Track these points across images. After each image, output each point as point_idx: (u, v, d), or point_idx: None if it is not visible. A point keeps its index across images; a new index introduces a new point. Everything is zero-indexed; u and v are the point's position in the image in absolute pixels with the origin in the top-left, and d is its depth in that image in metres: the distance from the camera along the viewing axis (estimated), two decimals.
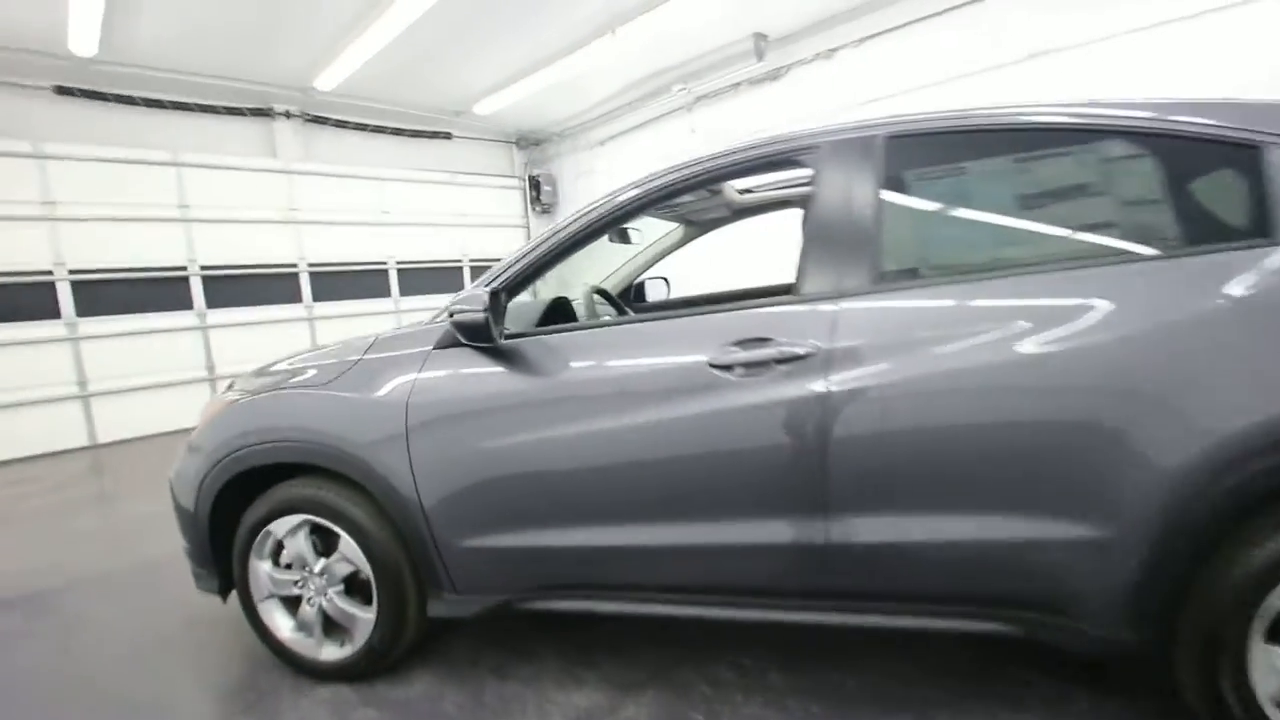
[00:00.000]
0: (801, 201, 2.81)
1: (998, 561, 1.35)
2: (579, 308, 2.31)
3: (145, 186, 5.92)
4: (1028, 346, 1.29)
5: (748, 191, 2.63)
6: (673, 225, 2.93)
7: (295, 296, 6.70)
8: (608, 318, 2.27)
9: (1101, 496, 1.25)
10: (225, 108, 6.51)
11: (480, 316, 1.53)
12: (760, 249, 4.53)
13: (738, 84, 6.29)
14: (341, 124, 7.11)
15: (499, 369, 1.64)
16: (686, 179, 1.68)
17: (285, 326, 6.64)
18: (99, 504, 4.12)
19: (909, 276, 1.46)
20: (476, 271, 8.17)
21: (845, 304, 1.43)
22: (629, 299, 3.13)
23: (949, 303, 1.38)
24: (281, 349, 6.54)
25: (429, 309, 7.80)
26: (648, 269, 3.05)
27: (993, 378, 1.30)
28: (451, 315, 1.58)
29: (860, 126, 1.56)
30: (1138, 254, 1.32)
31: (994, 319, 1.33)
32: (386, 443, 1.68)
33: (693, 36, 5.70)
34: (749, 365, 1.45)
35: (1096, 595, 1.29)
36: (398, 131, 7.54)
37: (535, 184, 8.65)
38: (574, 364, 1.61)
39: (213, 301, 6.25)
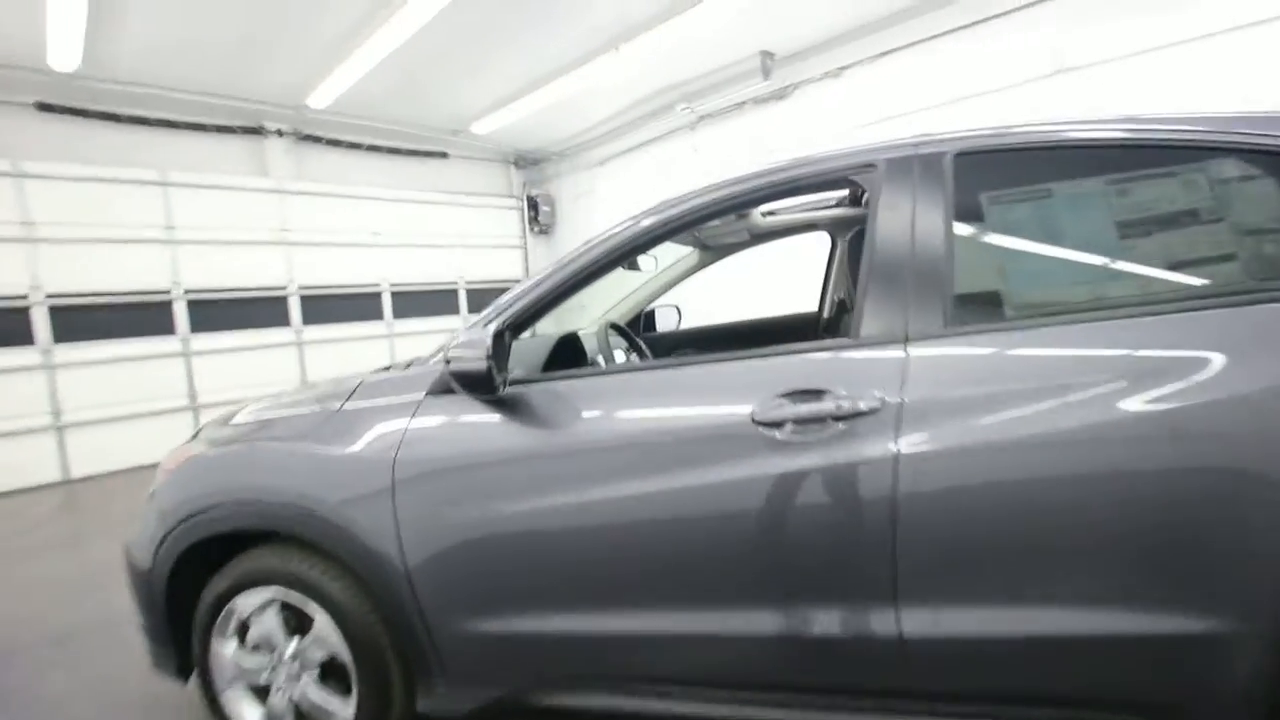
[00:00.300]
0: (832, 225, 2.61)
1: (1102, 658, 1.12)
2: (591, 345, 2.07)
3: (130, 207, 5.69)
4: (1144, 403, 1.06)
5: (771, 213, 2.43)
6: (687, 250, 2.71)
7: (284, 320, 6.45)
8: (628, 361, 2.03)
9: (1238, 578, 1.03)
10: (215, 125, 6.31)
11: (482, 365, 1.30)
12: (764, 273, 4.33)
13: (743, 103, 6.14)
14: (335, 143, 6.92)
15: (502, 421, 1.40)
16: (720, 203, 1.47)
17: (273, 352, 6.38)
18: (65, 547, 3.83)
19: (990, 318, 1.24)
20: (472, 294, 7.95)
21: (916, 350, 1.20)
22: (638, 329, 2.90)
23: (1045, 350, 1.16)
24: (268, 375, 6.32)
25: (423, 332, 7.61)
26: (659, 296, 2.83)
27: (1101, 441, 1.08)
28: (448, 362, 1.35)
29: (923, 142, 1.35)
30: (1263, 293, 1.10)
31: (1101, 370, 1.11)
32: (369, 507, 1.44)
33: (697, 54, 5.56)
34: (801, 422, 1.22)
35: (1223, 694, 1.07)
36: (393, 151, 7.36)
37: (533, 204, 8.48)
38: (590, 417, 1.37)
39: (197, 326, 6.00)
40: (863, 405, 1.18)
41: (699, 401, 1.32)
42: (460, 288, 7.89)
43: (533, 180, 8.74)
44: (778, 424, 1.22)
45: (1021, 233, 1.27)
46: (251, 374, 6.20)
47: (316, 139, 6.79)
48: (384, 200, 7.12)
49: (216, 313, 6.09)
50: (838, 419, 1.19)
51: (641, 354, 2.16)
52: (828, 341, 1.29)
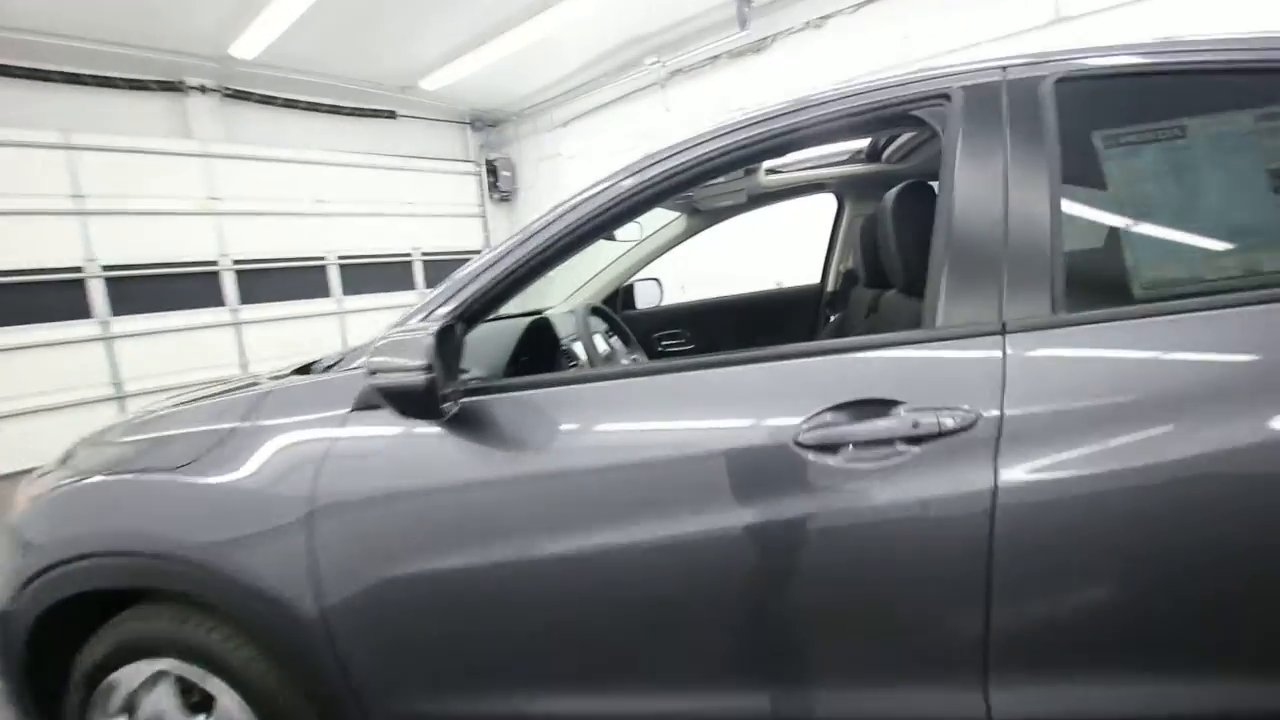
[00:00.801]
0: (840, 185, 2.26)
1: None
2: (567, 330, 1.67)
3: (28, 173, 5.00)
4: None
5: (774, 171, 2.09)
6: (672, 215, 2.36)
7: (217, 299, 5.86)
8: (610, 350, 1.66)
9: None
10: (126, 81, 5.60)
11: (418, 379, 0.94)
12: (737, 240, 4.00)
13: (716, 57, 5.71)
14: (268, 100, 6.25)
15: (456, 445, 1.05)
16: (731, 151, 1.12)
17: (206, 333, 5.80)
18: None
19: (1115, 299, 0.93)
20: (429, 266, 7.42)
21: (1017, 345, 0.90)
22: (616, 306, 2.55)
23: (1194, 349, 0.86)
24: (202, 359, 5.76)
25: (377, 308, 7.08)
26: (640, 269, 2.48)
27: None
28: (372, 373, 0.98)
29: (1012, 64, 1.02)
30: None
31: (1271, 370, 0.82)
32: (280, 558, 1.09)
33: (668, 1, 5.10)
34: (863, 445, 0.90)
35: None
36: (334, 109, 6.71)
37: (493, 169, 7.93)
38: (575, 438, 1.04)
39: (118, 307, 5.38)
40: (949, 422, 0.87)
41: (722, 416, 0.99)
42: (415, 259, 7.35)
43: (491, 144, 8.17)
44: (831, 447, 0.91)
45: (1152, 185, 0.96)
46: (183, 358, 5.63)
47: (246, 96, 6.11)
48: (327, 164, 6.49)
49: (139, 291, 5.48)
50: (913, 440, 0.88)
51: (626, 340, 1.81)
52: (894, 334, 0.96)
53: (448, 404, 0.97)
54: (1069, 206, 0.93)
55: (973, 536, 0.86)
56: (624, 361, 1.52)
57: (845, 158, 2.11)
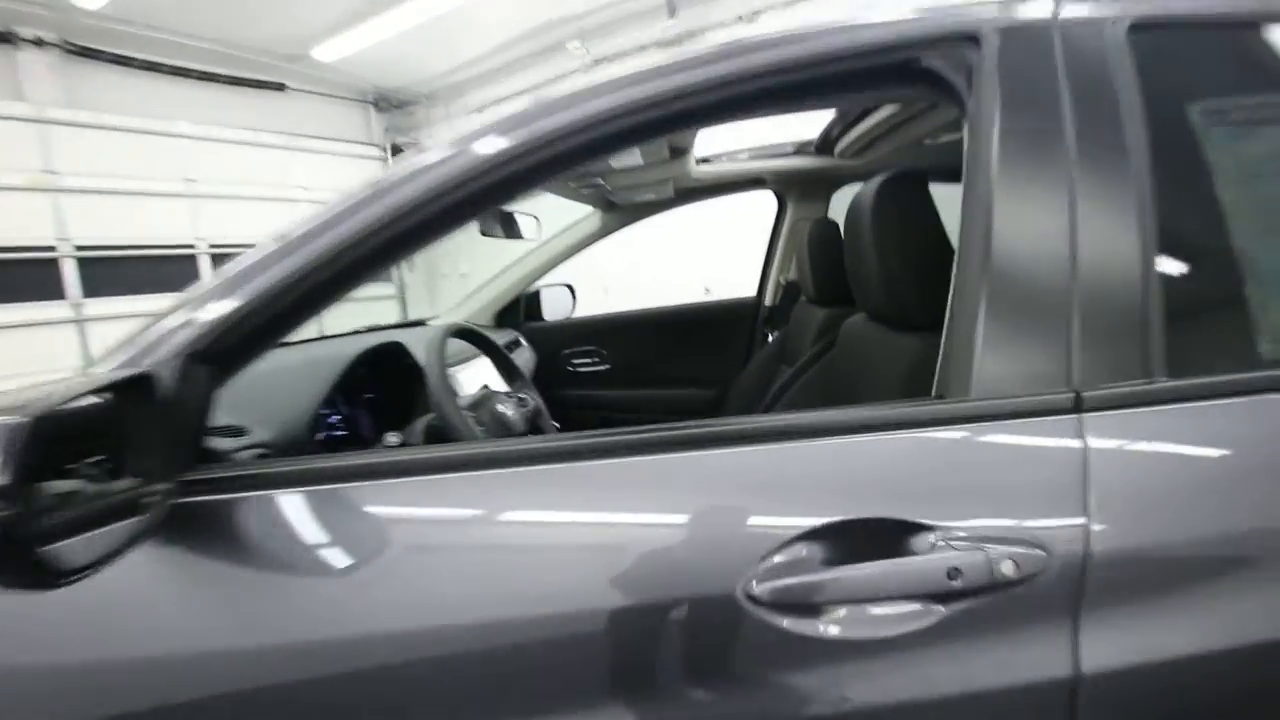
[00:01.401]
0: (782, 182, 1.89)
1: None
2: (427, 362, 1.16)
3: None
4: None
5: (705, 161, 1.73)
6: (587, 209, 1.96)
7: (55, 290, 4.95)
8: (485, 393, 1.17)
9: None
10: None
11: None
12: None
13: (644, 46, 5.36)
14: (123, 60, 5.35)
15: (160, 583, 0.62)
16: (652, 104, 0.76)
17: (39, 331, 4.87)
18: None
19: (1241, 355, 0.61)
20: None
21: (1101, 432, 0.56)
22: (519, 321, 2.12)
23: None
24: (36, 364, 4.83)
25: None
26: (549, 270, 2.06)
27: None
28: None
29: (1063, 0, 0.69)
30: None
31: None
32: None
33: None
34: (859, 604, 0.55)
35: None
36: (208, 76, 5.85)
37: (399, 154, 7.27)
38: (407, 561, 0.62)
39: None
40: (1003, 567, 0.52)
41: (624, 542, 0.60)
42: None
43: (398, 126, 7.48)
44: (811, 608, 0.54)
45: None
46: (9, 362, 4.70)
47: (95, 54, 5.20)
48: (199, 139, 5.64)
49: None
50: (940, 600, 0.53)
51: (512, 377, 1.36)
52: (897, 407, 0.61)
53: (49, 560, 0.51)
54: (1164, 214, 0.60)
55: None
56: (501, 409, 1.10)
57: (790, 150, 1.78)
